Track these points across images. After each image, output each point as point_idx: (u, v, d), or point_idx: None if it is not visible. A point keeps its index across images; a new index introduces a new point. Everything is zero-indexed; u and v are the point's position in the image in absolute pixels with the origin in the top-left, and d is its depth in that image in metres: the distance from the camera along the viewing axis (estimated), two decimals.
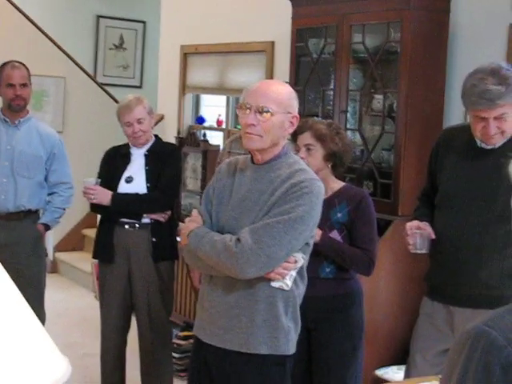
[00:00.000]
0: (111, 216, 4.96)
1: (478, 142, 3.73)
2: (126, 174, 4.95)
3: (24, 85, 5.37)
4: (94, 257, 5.23)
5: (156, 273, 4.97)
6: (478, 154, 3.74)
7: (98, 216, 5.61)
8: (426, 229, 3.84)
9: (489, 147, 3.68)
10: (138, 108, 4.88)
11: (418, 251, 3.86)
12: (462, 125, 4.25)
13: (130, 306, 5.07)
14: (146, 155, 4.96)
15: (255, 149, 3.31)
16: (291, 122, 3.31)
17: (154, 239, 4.91)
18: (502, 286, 3.60)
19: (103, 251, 5.02)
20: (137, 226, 4.92)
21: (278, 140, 3.30)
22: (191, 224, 3.38)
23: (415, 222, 3.88)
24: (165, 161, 4.99)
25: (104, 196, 4.85)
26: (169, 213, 4.96)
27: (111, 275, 5.01)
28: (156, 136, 5.15)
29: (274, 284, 3.23)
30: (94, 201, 4.88)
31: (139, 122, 4.87)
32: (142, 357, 5.15)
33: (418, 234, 3.84)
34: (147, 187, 4.90)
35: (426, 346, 3.91)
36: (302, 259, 3.27)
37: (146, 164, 4.95)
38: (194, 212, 3.49)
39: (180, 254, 5.03)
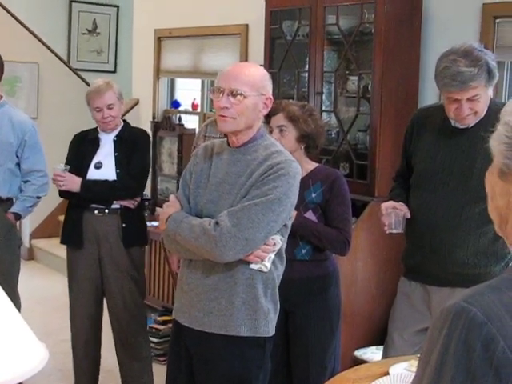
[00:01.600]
0: (80, 202, 4.94)
1: (452, 122, 3.75)
2: (95, 160, 4.94)
3: None
4: (61, 242, 5.20)
5: (127, 258, 4.98)
6: (453, 133, 3.76)
7: None
8: (402, 209, 3.86)
9: (462, 127, 3.70)
10: (108, 93, 4.88)
11: (394, 231, 3.87)
12: (435, 105, 4.25)
13: (101, 291, 5.07)
14: (114, 141, 4.95)
15: (230, 131, 3.32)
16: (265, 104, 3.32)
17: (123, 225, 4.92)
18: (477, 264, 3.61)
19: (72, 237, 5.01)
20: (106, 211, 4.92)
21: (253, 122, 3.31)
22: (169, 209, 3.39)
23: (391, 203, 3.90)
24: (134, 146, 4.99)
25: (73, 183, 4.84)
26: (138, 199, 4.98)
27: (81, 261, 5.00)
28: (125, 121, 5.16)
29: (253, 266, 3.24)
30: (63, 187, 4.87)
31: (109, 107, 4.87)
32: (118, 342, 5.15)
33: (393, 213, 3.86)
34: (116, 173, 4.89)
35: (404, 326, 3.93)
36: (280, 241, 3.29)
37: (115, 150, 4.94)
38: (172, 197, 3.50)
39: (149, 239, 5.05)
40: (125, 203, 4.90)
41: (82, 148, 5.05)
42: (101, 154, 4.94)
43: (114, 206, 4.92)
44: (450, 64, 3.57)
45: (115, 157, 4.92)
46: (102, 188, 4.88)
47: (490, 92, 3.69)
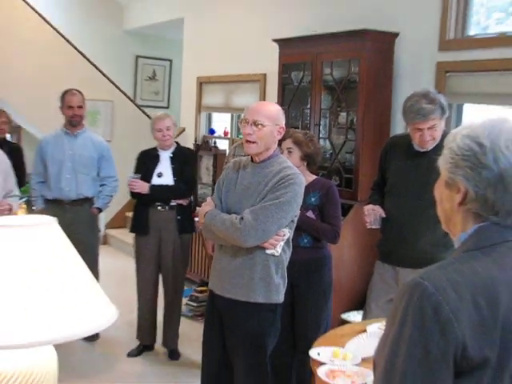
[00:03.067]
0: (146, 201, 5.01)
1: (416, 147, 3.76)
2: (157, 171, 5.03)
3: (80, 107, 5.38)
4: (131, 231, 5.26)
5: (179, 241, 5.08)
6: (416, 155, 3.76)
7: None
8: (378, 210, 3.88)
9: (423, 150, 3.71)
10: (167, 119, 5.03)
11: (373, 226, 3.90)
12: (403, 134, 4.28)
13: (158, 267, 5.15)
14: (170, 157, 5.06)
15: (254, 153, 3.33)
16: (279, 131, 3.33)
17: (178, 217, 5.01)
18: (432, 252, 3.60)
19: (140, 227, 5.09)
20: (166, 207, 5.02)
21: (270, 145, 3.31)
22: (206, 207, 3.40)
23: (370, 205, 3.92)
24: (185, 161, 5.09)
25: (143, 187, 4.95)
26: (189, 198, 5.05)
27: (146, 244, 5.09)
28: (177, 142, 5.23)
29: (268, 251, 3.25)
30: (136, 190, 4.97)
31: (167, 129, 5.00)
32: (166, 301, 5.23)
33: (372, 213, 3.88)
34: (174, 180, 5.00)
35: (378, 297, 3.93)
36: (288, 233, 3.29)
37: (172, 163, 5.05)
38: (208, 198, 3.51)
39: (196, 228, 5.11)
40: (179, 202, 5.00)
41: (147, 162, 5.11)
42: (161, 167, 5.03)
43: (171, 204, 5.01)
44: (414, 103, 3.60)
45: (172, 168, 5.01)
46: (164, 191, 4.98)
47: (443, 124, 3.70)
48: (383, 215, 3.88)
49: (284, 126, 3.37)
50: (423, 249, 3.64)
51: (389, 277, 3.87)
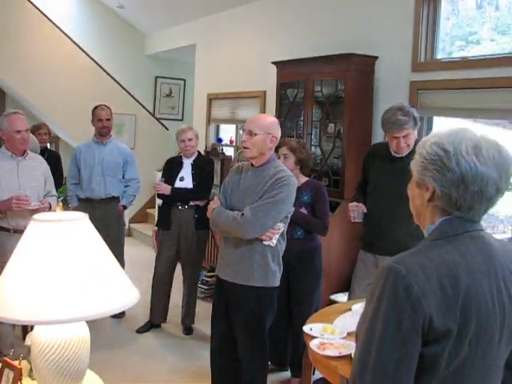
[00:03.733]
0: (170, 201, 5.01)
1: (392, 153, 3.76)
2: (179, 175, 5.02)
3: (108, 119, 5.41)
4: (156, 225, 5.30)
5: (196, 237, 5.05)
6: (393, 160, 3.77)
7: (157, 201, 5.67)
8: (361, 206, 3.88)
9: (399, 156, 3.71)
10: (190, 132, 5.03)
11: (357, 220, 3.91)
12: (382, 142, 4.27)
13: (176, 257, 5.14)
14: (192, 164, 5.05)
15: (248, 157, 3.35)
16: (271, 140, 3.32)
17: (196, 215, 4.99)
18: (407, 242, 3.52)
19: (164, 222, 5.09)
20: (186, 207, 5.00)
21: (263, 151, 3.31)
22: (214, 205, 3.42)
23: (354, 202, 3.92)
24: (204, 168, 5.07)
25: (166, 189, 4.95)
26: (206, 200, 5.02)
27: (167, 237, 5.09)
28: (198, 151, 5.21)
29: (265, 242, 3.26)
30: (160, 192, 4.99)
31: (190, 140, 4.99)
32: (185, 286, 5.22)
33: (356, 209, 3.88)
34: (193, 184, 4.98)
35: (361, 280, 3.92)
36: (282, 227, 3.30)
37: (192, 169, 5.03)
38: (215, 197, 3.52)
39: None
40: (197, 202, 4.98)
41: (172, 167, 5.11)
42: (183, 172, 5.01)
43: (190, 204, 4.99)
44: (391, 115, 3.61)
45: (192, 174, 5.00)
46: (183, 193, 4.96)
47: (416, 133, 3.71)
48: (365, 211, 3.88)
49: (277, 135, 3.35)
50: (399, 239, 3.62)
51: (370, 264, 3.87)
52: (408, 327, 1.30)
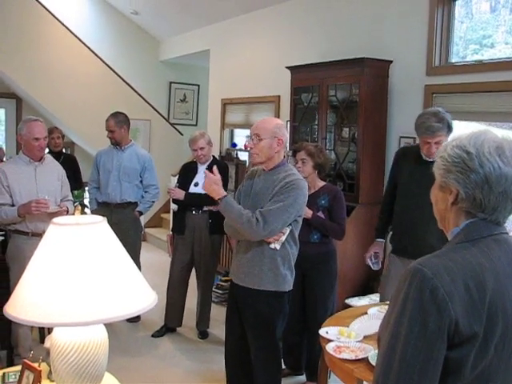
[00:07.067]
0: (184, 206, 5.00)
1: (424, 156, 3.71)
2: (194, 181, 5.01)
3: (111, 131, 5.36)
4: (172, 230, 5.27)
5: (210, 241, 5.03)
6: (423, 163, 3.70)
7: (171, 206, 5.66)
8: (379, 257, 4.06)
9: (430, 159, 3.66)
10: (200, 140, 4.97)
11: (374, 268, 4.12)
12: (412, 145, 4.25)
13: (191, 261, 5.12)
14: (206, 169, 4.94)
15: (257, 162, 3.35)
16: (278, 143, 3.30)
17: (210, 221, 4.96)
18: (438, 246, 3.54)
19: (178, 227, 5.08)
20: (200, 212, 4.99)
21: (271, 155, 3.30)
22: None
23: (369, 254, 4.08)
24: (218, 173, 4.98)
25: (180, 194, 4.93)
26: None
27: (182, 242, 5.08)
28: (213, 156, 5.19)
29: (271, 246, 3.26)
30: (174, 197, 4.98)
31: (201, 149, 4.96)
32: (199, 291, 5.20)
33: (374, 261, 4.05)
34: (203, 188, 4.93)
35: (392, 283, 3.83)
36: (288, 231, 3.27)
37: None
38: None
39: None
40: (211, 208, 4.92)
41: (187, 173, 5.11)
42: (198, 177, 4.97)
43: (204, 209, 4.97)
44: (426, 120, 3.57)
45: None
46: (197, 198, 4.91)
47: (448, 139, 3.66)
48: (381, 259, 4.04)
49: (283, 137, 3.32)
50: (432, 243, 3.56)
51: (400, 267, 3.77)
52: (433, 330, 1.28)
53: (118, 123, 5.38)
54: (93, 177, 5.53)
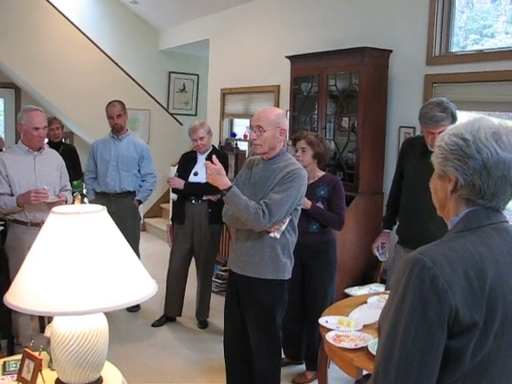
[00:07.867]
0: (183, 195, 4.99)
1: (429, 147, 3.68)
2: (194, 170, 5.00)
3: (119, 115, 5.37)
4: (171, 220, 5.27)
5: (209, 230, 5.03)
6: (428, 154, 3.66)
7: (171, 196, 5.65)
8: (386, 247, 4.06)
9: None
10: (200, 130, 4.94)
11: (382, 259, 4.15)
12: (418, 136, 4.22)
13: (190, 251, 5.12)
14: (206, 159, 4.93)
15: (260, 153, 3.34)
16: (280, 133, 3.29)
17: (209, 210, 4.96)
18: (441, 234, 3.53)
19: (178, 217, 5.08)
20: (199, 201, 4.98)
21: (274, 145, 3.30)
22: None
23: (376, 244, 4.07)
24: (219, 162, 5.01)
25: (179, 183, 4.93)
26: (219, 195, 4.97)
27: (181, 231, 5.08)
28: (213, 146, 5.18)
29: (271, 234, 3.26)
30: (173, 186, 4.99)
31: (201, 138, 4.94)
32: (199, 280, 5.21)
33: (381, 252, 4.06)
34: (206, 179, 4.89)
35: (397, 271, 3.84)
36: (287, 221, 3.27)
37: None
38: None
39: None
40: (210, 197, 4.93)
41: (186, 162, 5.10)
42: (198, 167, 4.97)
43: (204, 198, 4.97)
44: (429, 110, 3.52)
45: (206, 169, 4.92)
46: (196, 187, 4.92)
47: None
48: (388, 249, 4.05)
49: (285, 127, 3.32)
50: (435, 233, 3.54)
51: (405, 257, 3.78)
52: (433, 319, 1.28)
53: (123, 108, 5.42)
54: (89, 167, 5.51)
